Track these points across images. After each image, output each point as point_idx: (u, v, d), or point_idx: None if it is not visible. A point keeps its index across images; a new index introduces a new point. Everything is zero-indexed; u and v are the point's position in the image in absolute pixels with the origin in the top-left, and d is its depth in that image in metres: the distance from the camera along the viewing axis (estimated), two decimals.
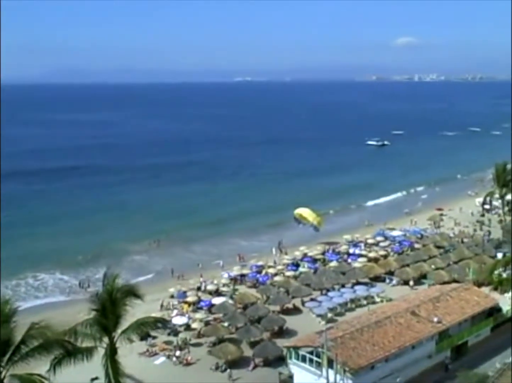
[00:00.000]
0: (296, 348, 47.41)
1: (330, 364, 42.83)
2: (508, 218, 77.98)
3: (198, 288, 68.65)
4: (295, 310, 62.26)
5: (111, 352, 32.09)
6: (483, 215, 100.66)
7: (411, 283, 69.16)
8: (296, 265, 76.64)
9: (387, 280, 70.88)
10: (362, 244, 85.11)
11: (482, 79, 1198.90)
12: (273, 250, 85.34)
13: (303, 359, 46.35)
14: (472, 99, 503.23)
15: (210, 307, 61.75)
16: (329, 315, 59.47)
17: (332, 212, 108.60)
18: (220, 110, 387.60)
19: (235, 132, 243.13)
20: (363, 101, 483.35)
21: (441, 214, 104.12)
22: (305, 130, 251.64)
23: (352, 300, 63.48)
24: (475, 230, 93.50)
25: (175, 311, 61.15)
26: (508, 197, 75.71)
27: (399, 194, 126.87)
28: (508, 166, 74.92)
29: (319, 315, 59.43)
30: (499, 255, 72.51)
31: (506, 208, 77.79)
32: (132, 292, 32.66)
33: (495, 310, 56.54)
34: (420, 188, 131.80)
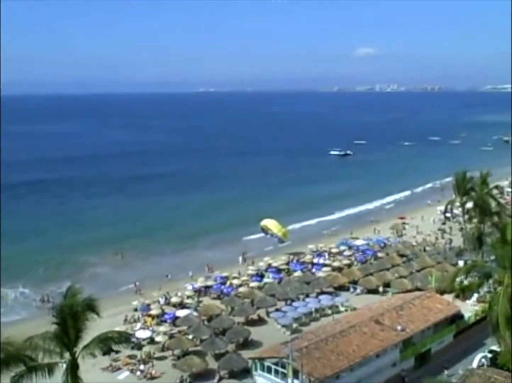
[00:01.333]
0: (261, 359, 47.28)
1: (296, 374, 42.78)
2: (468, 226, 79.10)
3: (162, 301, 67.95)
4: (260, 321, 62.08)
5: (73, 367, 31.34)
6: (444, 223, 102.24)
7: (380, 289, 69.84)
8: (260, 275, 76.56)
9: (351, 289, 71.28)
10: (326, 254, 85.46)
11: (441, 89, 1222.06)
12: (240, 259, 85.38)
13: (269, 370, 46.24)
14: (431, 109, 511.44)
15: (174, 319, 61.14)
16: (294, 325, 59.44)
17: (300, 220, 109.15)
18: (183, 121, 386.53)
19: (200, 143, 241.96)
20: (326, 112, 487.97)
21: (404, 223, 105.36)
22: (269, 140, 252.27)
23: (316, 310, 63.58)
24: (437, 238, 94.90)
25: (139, 325, 60.41)
26: (469, 205, 76.74)
27: (364, 204, 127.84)
28: (468, 175, 75.99)
29: (284, 326, 59.33)
30: (461, 263, 73.57)
31: (467, 216, 78.84)
32: (93, 306, 32.02)
33: (457, 317, 57.33)
34: (384, 198, 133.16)
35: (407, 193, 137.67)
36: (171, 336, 56.72)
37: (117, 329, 46.00)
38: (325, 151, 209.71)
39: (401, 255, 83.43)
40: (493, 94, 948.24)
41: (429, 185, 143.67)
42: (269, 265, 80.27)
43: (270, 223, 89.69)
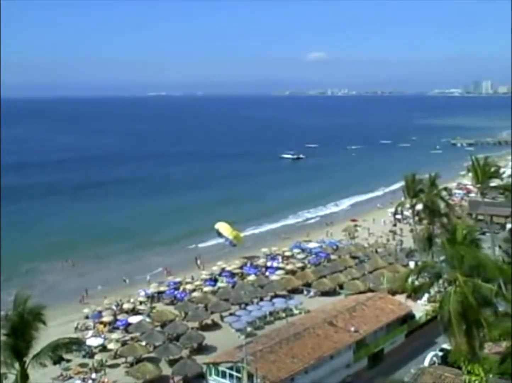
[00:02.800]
0: (216, 364, 46.98)
1: (250, 378, 42.71)
2: (418, 227, 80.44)
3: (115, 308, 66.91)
4: (214, 326, 61.79)
5: (22, 378, 30.41)
6: (395, 225, 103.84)
7: (338, 289, 70.68)
8: (214, 280, 76.22)
9: (305, 292, 71.63)
10: (280, 257, 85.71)
11: (391, 93, 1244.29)
12: (198, 262, 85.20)
13: (223, 375, 45.97)
14: (382, 113, 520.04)
15: (127, 326, 60.21)
16: (248, 329, 59.18)
17: (254, 224, 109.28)
18: (135, 125, 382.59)
19: (154, 148, 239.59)
20: (278, 115, 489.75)
21: (356, 225, 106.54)
22: (222, 144, 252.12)
23: (271, 313, 63.68)
24: (388, 240, 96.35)
25: (90, 332, 59.25)
26: (418, 207, 78.03)
27: (316, 207, 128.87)
28: (417, 177, 77.26)
29: (238, 330, 59.09)
30: (411, 264, 74.80)
31: (417, 218, 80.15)
32: (40, 315, 31.14)
33: (409, 317, 58.25)
34: (337, 201, 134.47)
35: (359, 195, 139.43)
36: (124, 343, 55.86)
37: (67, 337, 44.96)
38: (278, 154, 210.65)
39: (354, 257, 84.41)
40: (441, 98, 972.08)
41: (381, 187, 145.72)
42: (223, 270, 80.00)
43: (222, 227, 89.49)
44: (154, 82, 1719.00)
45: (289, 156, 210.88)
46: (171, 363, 51.39)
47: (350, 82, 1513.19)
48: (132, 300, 68.85)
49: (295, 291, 71.73)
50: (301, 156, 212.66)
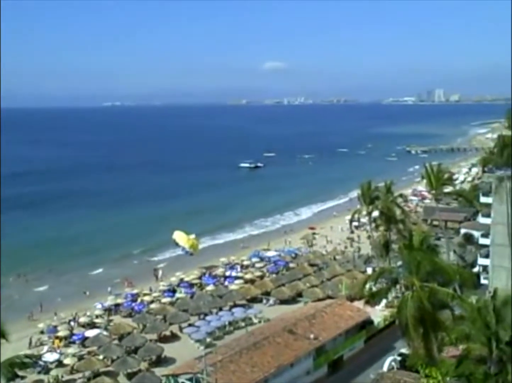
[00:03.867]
0: (175, 376, 46.43)
1: None
2: (375, 234, 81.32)
3: (70, 322, 65.56)
4: (173, 337, 61.08)
5: None
6: (352, 232, 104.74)
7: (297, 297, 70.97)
8: (172, 291, 75.48)
9: (264, 301, 71.55)
10: (238, 266, 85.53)
11: (346, 102, 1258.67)
12: (160, 273, 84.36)
13: None
14: (338, 122, 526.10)
15: (84, 340, 59.05)
16: (208, 339, 58.86)
17: (212, 233, 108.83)
18: (91, 136, 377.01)
19: (111, 158, 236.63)
20: (235, 125, 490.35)
21: (314, 233, 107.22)
22: (179, 154, 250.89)
23: (230, 323, 63.36)
24: (346, 247, 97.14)
25: (46, 348, 57.84)
26: (375, 213, 78.91)
27: (275, 215, 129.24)
28: (373, 184, 78.17)
29: (197, 341, 58.64)
30: (369, 270, 75.43)
31: (373, 225, 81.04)
32: None
33: (367, 323, 58.65)
34: (295, 209, 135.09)
35: (317, 204, 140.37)
36: (80, 358, 54.71)
37: (22, 353, 43.80)
38: (236, 164, 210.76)
39: (312, 265, 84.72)
40: (395, 107, 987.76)
41: (338, 195, 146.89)
42: (181, 280, 79.32)
43: (179, 236, 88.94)
44: (109, 92, 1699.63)
45: (247, 165, 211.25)
46: (130, 376, 50.55)
47: (306, 91, 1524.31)
48: (88, 313, 67.57)
49: (254, 300, 71.54)
50: (259, 164, 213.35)
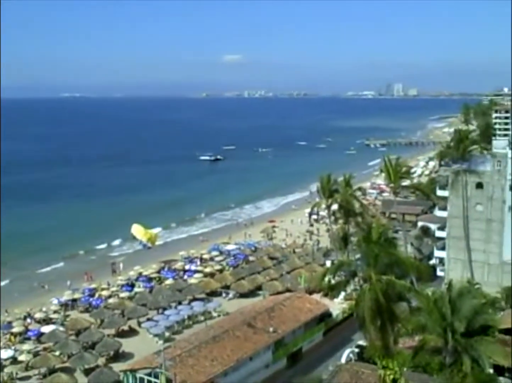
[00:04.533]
0: (134, 371, 45.93)
1: None
2: (334, 227, 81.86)
3: (25, 318, 64.24)
4: (131, 332, 60.49)
5: None
6: (312, 225, 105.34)
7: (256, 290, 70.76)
8: (131, 285, 74.80)
9: (224, 294, 71.42)
10: (198, 260, 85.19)
11: (306, 95, 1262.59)
12: (121, 266, 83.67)
13: (141, 382, 44.93)
14: (298, 115, 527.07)
15: (39, 336, 57.96)
16: (167, 334, 58.47)
17: (172, 227, 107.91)
18: (49, 128, 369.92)
19: (69, 151, 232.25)
20: (195, 118, 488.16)
21: (274, 226, 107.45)
22: (139, 147, 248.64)
23: (189, 317, 63.08)
24: (305, 240, 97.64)
25: None
26: (334, 207, 79.36)
27: (235, 208, 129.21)
28: (332, 177, 78.56)
29: (156, 335, 58.19)
30: (328, 263, 75.92)
31: (332, 218, 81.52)
32: None
33: (326, 315, 58.98)
34: (256, 202, 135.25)
35: (277, 197, 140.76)
36: (36, 354, 53.71)
37: None
38: (196, 156, 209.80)
39: (272, 258, 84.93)
40: (354, 100, 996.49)
41: (298, 188, 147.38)
42: (140, 274, 78.62)
43: (136, 229, 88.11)
44: (68, 83, 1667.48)
45: (207, 158, 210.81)
46: (87, 372, 49.83)
47: (267, 84, 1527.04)
48: (44, 309, 66.35)
49: (213, 293, 71.36)
50: (219, 157, 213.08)
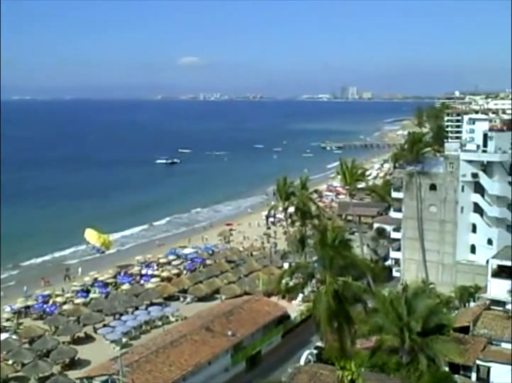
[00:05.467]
0: (90, 379, 45.21)
1: None
2: (291, 229, 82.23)
3: None
4: (87, 339, 59.51)
5: None
6: (269, 228, 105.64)
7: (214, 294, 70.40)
8: (86, 291, 73.59)
9: (181, 299, 70.95)
10: (155, 264, 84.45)
11: (262, 98, 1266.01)
12: (79, 270, 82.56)
13: None
14: (254, 118, 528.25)
15: None
16: (124, 340, 57.72)
17: (124, 237, 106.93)
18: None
19: (21, 154, 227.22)
20: (151, 120, 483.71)
21: (231, 229, 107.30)
22: (94, 150, 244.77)
23: (146, 322, 62.42)
24: (262, 243, 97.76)
25: None
26: (291, 209, 79.74)
27: (192, 212, 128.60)
28: (289, 180, 78.93)
29: (113, 341, 57.36)
30: (286, 265, 76.10)
31: (289, 220, 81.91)
32: None
33: (284, 317, 59.14)
34: (213, 205, 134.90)
35: (234, 200, 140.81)
36: None
37: None
38: (152, 160, 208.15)
39: (229, 261, 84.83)
40: (310, 103, 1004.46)
41: (254, 191, 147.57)
42: (95, 280, 77.49)
43: (90, 234, 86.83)
44: (18, 85, 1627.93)
45: (164, 161, 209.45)
46: (42, 381, 48.81)
47: (222, 87, 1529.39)
48: None
49: (171, 298, 70.83)
50: (175, 161, 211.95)
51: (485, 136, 65.09)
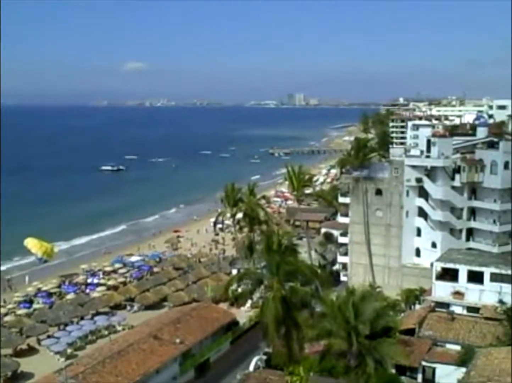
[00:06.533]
0: None
1: None
2: (240, 236, 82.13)
3: None
4: (31, 351, 57.88)
5: None
6: (217, 235, 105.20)
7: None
8: (29, 302, 71.72)
9: (128, 307, 69.89)
10: (101, 273, 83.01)
11: (209, 104, 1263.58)
12: (26, 279, 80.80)
13: None
14: (201, 124, 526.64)
15: None
16: (69, 350, 56.45)
17: (73, 240, 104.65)
18: None
19: None
20: (96, 126, 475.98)
21: (178, 236, 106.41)
22: (35, 157, 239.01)
23: (92, 332, 61.22)
24: (211, 249, 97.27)
25: None
26: (239, 215, 79.65)
27: (140, 219, 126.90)
28: (237, 186, 78.85)
29: (57, 352, 56.03)
30: (234, 271, 75.94)
31: (238, 226, 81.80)
32: None
33: (233, 324, 58.92)
34: (160, 212, 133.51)
35: (182, 206, 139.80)
36: None
37: None
38: (97, 166, 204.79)
39: (177, 269, 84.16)
40: (257, 109, 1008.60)
41: (202, 197, 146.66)
42: (39, 290, 75.75)
43: (31, 242, 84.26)
44: None
45: (109, 168, 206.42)
46: None
47: (169, 93, 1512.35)
48: None
49: (117, 307, 69.73)
50: (121, 167, 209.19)
51: (429, 142, 66.38)
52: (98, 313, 66.42)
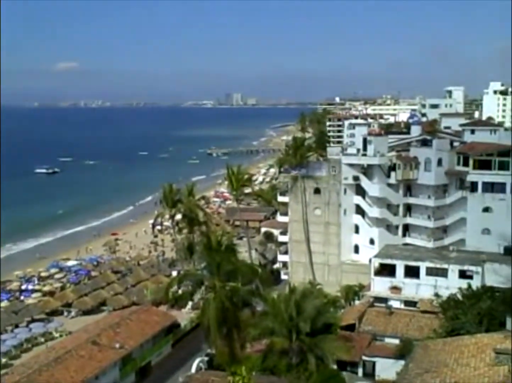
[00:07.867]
0: None
1: None
2: (179, 237, 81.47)
3: None
4: None
5: None
6: (156, 236, 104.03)
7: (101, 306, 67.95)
8: None
9: (65, 313, 68.26)
10: (36, 279, 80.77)
11: (146, 105, 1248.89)
12: None
13: None
14: (138, 125, 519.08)
15: None
16: (3, 360, 54.58)
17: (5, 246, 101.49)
18: None
19: None
20: (26, 128, 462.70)
21: (117, 239, 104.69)
22: None
23: (28, 340, 59.51)
24: (150, 252, 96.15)
25: None
26: (178, 216, 78.99)
27: (78, 222, 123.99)
28: (175, 187, 78.13)
29: None
30: (174, 273, 75.29)
31: (177, 228, 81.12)
32: None
33: (174, 326, 58.30)
34: (98, 215, 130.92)
35: (120, 208, 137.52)
36: None
37: None
38: (31, 169, 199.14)
39: (116, 272, 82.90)
40: (195, 110, 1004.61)
41: (141, 199, 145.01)
42: None
43: None
44: None
45: (44, 170, 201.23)
46: None
47: (104, 93, 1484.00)
48: None
49: (54, 313, 68.05)
50: (56, 170, 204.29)
51: (365, 140, 67.56)
52: (33, 320, 64.60)
